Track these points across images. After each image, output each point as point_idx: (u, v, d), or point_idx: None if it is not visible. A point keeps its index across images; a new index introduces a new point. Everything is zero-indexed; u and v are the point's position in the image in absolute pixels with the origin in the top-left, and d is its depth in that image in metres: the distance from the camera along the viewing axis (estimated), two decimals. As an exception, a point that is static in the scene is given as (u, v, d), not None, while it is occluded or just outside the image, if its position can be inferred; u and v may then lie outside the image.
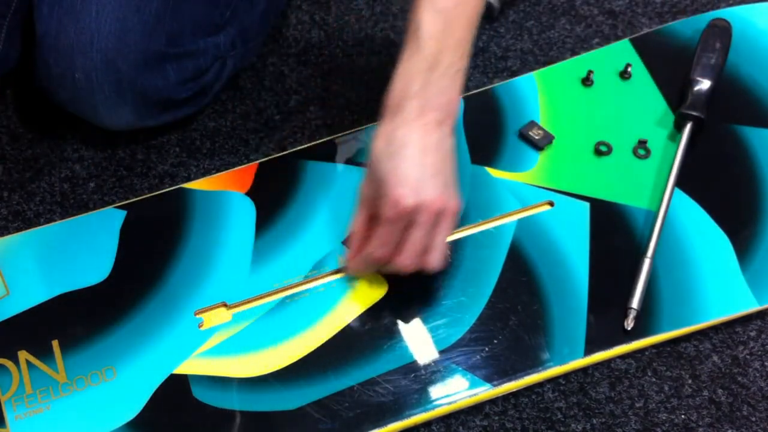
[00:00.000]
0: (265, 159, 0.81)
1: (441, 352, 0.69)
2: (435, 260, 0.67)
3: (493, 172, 0.79)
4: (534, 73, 0.87)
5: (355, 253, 0.69)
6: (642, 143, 0.80)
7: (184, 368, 0.68)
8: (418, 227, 0.64)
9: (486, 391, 0.67)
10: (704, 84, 0.82)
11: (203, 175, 0.83)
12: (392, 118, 0.65)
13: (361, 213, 0.68)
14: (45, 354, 0.68)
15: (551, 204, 0.77)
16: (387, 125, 0.65)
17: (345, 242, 0.74)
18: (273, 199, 0.77)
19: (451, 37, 0.65)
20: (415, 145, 0.64)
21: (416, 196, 0.63)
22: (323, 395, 0.67)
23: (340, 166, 0.79)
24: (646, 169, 0.79)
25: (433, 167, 0.64)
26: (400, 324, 0.70)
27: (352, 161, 0.80)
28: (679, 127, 0.81)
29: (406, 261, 0.66)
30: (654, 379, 0.71)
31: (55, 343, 0.69)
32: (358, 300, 0.71)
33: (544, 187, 0.78)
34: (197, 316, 0.71)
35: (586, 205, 0.77)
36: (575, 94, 0.85)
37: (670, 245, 0.74)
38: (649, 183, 0.78)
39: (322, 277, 0.73)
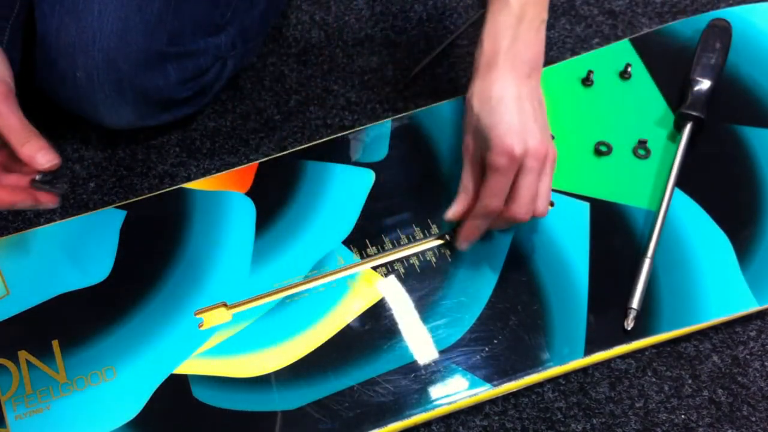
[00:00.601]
0: (265, 159, 0.81)
1: (441, 352, 0.69)
2: (544, 207, 0.67)
3: (493, 172, 0.79)
4: (534, 73, 0.87)
5: (463, 211, 0.70)
6: (642, 143, 0.80)
7: (184, 368, 0.68)
8: (529, 173, 0.65)
9: (486, 391, 0.67)
10: (704, 84, 0.82)
11: (203, 175, 0.83)
12: (486, 75, 0.67)
13: (468, 170, 0.69)
14: (45, 354, 0.68)
15: (551, 204, 0.77)
16: (481, 82, 0.67)
17: (345, 242, 0.74)
18: (273, 199, 0.77)
19: None
20: (512, 96, 0.66)
21: (524, 142, 0.64)
22: (323, 395, 0.67)
23: (340, 166, 0.79)
24: (646, 169, 0.79)
25: (532, 115, 0.66)
26: (400, 324, 0.70)
27: (352, 161, 0.80)
28: (679, 127, 0.81)
29: (521, 209, 0.66)
30: (654, 379, 0.71)
31: (55, 343, 0.69)
32: (358, 300, 0.71)
33: (544, 187, 0.78)
34: (197, 316, 0.71)
35: (586, 205, 0.77)
36: (575, 94, 0.85)
37: (670, 245, 0.74)
38: (649, 183, 0.78)
39: (322, 277, 0.73)
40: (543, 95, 0.69)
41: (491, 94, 0.66)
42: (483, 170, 0.67)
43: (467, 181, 0.69)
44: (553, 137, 0.80)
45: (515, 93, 0.66)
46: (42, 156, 0.61)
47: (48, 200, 0.65)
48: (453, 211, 0.70)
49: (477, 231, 0.70)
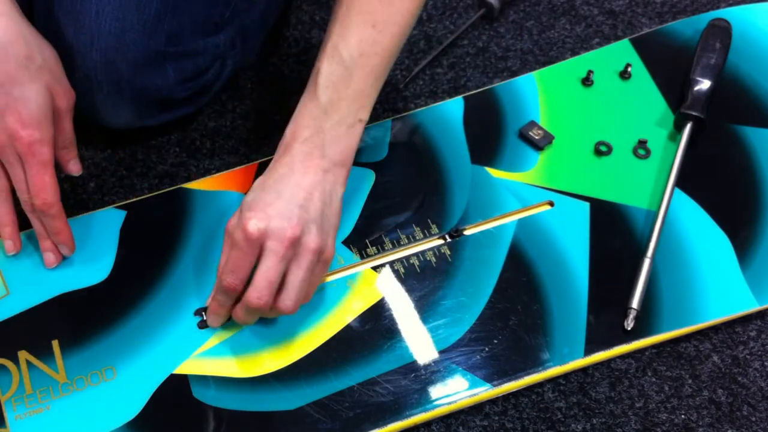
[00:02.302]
0: (265, 159, 0.81)
1: (441, 352, 0.69)
2: (288, 300, 0.62)
3: (493, 172, 0.79)
4: (534, 73, 0.87)
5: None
6: (642, 143, 0.81)
7: (184, 368, 0.68)
8: (269, 256, 0.61)
9: (486, 391, 0.67)
10: (704, 84, 0.82)
11: (203, 175, 0.83)
12: (278, 160, 0.65)
13: (224, 248, 0.64)
14: (45, 354, 0.68)
15: (551, 204, 0.77)
16: (271, 166, 0.65)
17: (345, 242, 0.74)
18: (273, 199, 0.77)
19: (350, 88, 0.64)
20: (288, 181, 0.63)
21: (267, 220, 0.61)
22: (323, 395, 0.67)
23: (340, 166, 0.79)
24: (646, 169, 0.79)
25: (299, 200, 0.62)
26: (400, 324, 0.70)
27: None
28: (679, 127, 0.81)
29: (254, 294, 0.62)
30: (654, 379, 0.71)
31: (55, 343, 0.69)
32: (358, 300, 0.71)
33: (544, 187, 0.78)
34: (197, 316, 0.71)
35: (586, 205, 0.77)
36: (575, 94, 0.85)
37: (670, 245, 0.74)
38: (649, 183, 0.78)
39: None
40: (340, 196, 0.65)
41: (270, 177, 0.63)
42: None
43: (223, 261, 0.64)
44: (553, 138, 0.81)
45: (295, 180, 0.62)
46: (73, 164, 0.72)
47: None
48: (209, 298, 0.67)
49: (221, 309, 0.66)
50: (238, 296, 0.65)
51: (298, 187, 0.63)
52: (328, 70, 0.65)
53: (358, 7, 0.65)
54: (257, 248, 0.61)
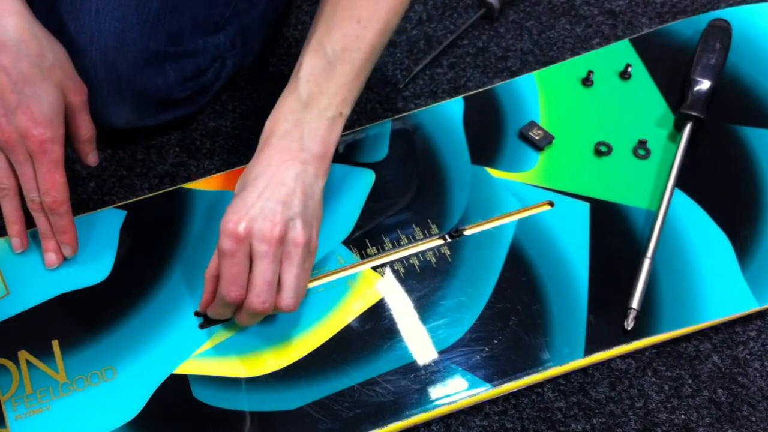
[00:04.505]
0: (265, 159, 0.81)
1: (441, 352, 0.69)
2: (289, 299, 0.62)
3: (493, 172, 0.79)
4: (534, 73, 0.87)
5: (207, 302, 0.66)
6: (642, 143, 0.81)
7: (184, 368, 0.68)
8: (261, 258, 0.61)
9: (486, 391, 0.67)
10: (704, 84, 0.82)
11: (203, 175, 0.83)
12: (256, 156, 0.65)
13: (215, 256, 0.64)
14: (45, 354, 0.68)
15: (551, 204, 0.77)
16: (251, 162, 0.65)
17: (345, 242, 0.74)
18: (273, 199, 0.77)
19: (332, 81, 0.64)
20: (267, 177, 0.62)
21: (249, 221, 0.60)
22: (323, 395, 0.67)
23: (340, 166, 0.79)
24: (646, 169, 0.79)
25: (282, 196, 0.61)
26: (400, 324, 0.70)
27: (352, 161, 0.80)
28: (679, 127, 0.81)
29: (255, 299, 0.61)
30: (654, 379, 0.71)
31: (55, 343, 0.69)
32: (358, 300, 0.71)
33: (544, 187, 0.78)
34: (197, 317, 0.71)
35: (586, 205, 0.77)
36: (575, 94, 0.85)
37: (670, 245, 0.74)
38: (649, 183, 0.78)
39: (322, 277, 0.73)
40: (321, 188, 0.65)
41: (249, 174, 0.63)
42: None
43: (212, 266, 0.65)
44: (553, 138, 0.81)
45: (272, 175, 0.62)
46: (92, 156, 0.74)
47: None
48: (201, 304, 0.68)
49: (224, 316, 0.67)
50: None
51: (279, 182, 0.62)
52: (310, 64, 0.65)
53: (344, 4, 0.65)
54: (247, 252, 0.61)
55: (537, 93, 0.85)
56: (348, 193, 0.77)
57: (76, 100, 0.69)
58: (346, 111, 0.66)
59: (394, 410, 0.66)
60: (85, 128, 0.72)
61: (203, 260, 0.73)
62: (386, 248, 0.74)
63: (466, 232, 0.75)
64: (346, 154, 0.81)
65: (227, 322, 0.70)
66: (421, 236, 0.75)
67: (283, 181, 0.62)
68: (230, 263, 0.61)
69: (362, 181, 0.78)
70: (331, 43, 0.65)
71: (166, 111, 0.82)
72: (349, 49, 0.65)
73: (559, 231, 0.75)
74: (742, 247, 0.75)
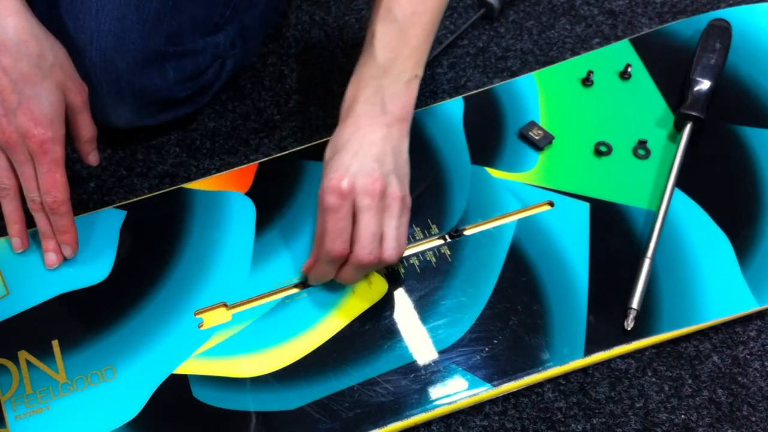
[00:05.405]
0: (265, 159, 0.81)
1: (441, 352, 0.69)
2: (392, 249, 0.65)
3: (493, 172, 0.79)
4: (534, 73, 0.87)
5: (312, 262, 0.68)
6: (642, 143, 0.81)
7: (184, 368, 0.68)
8: (365, 211, 0.63)
9: (486, 391, 0.67)
10: (704, 84, 0.82)
11: (203, 175, 0.83)
12: (342, 122, 0.67)
13: (319, 218, 0.66)
14: (45, 354, 0.68)
15: (551, 204, 0.77)
16: (338, 129, 0.67)
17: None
18: (273, 199, 0.77)
19: (405, 45, 0.67)
20: (358, 140, 0.65)
21: (351, 177, 0.63)
22: (323, 395, 0.67)
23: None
24: (646, 169, 0.79)
25: (375, 155, 0.64)
26: (400, 324, 0.70)
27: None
28: (679, 127, 0.81)
29: (363, 251, 0.64)
30: (654, 379, 0.71)
31: (55, 343, 0.69)
32: (358, 300, 0.71)
33: (544, 187, 0.78)
34: (197, 316, 0.71)
35: (586, 205, 0.77)
36: (575, 94, 0.85)
37: (670, 245, 0.74)
38: (649, 183, 0.78)
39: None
40: (407, 147, 0.67)
41: (339, 139, 0.66)
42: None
43: (318, 228, 0.66)
44: (553, 138, 0.81)
45: (363, 138, 0.65)
46: (93, 156, 0.75)
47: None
48: (306, 264, 0.69)
49: (328, 275, 0.68)
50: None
51: (370, 143, 0.65)
52: (382, 31, 0.67)
53: None
54: (351, 207, 0.63)
55: (537, 93, 0.85)
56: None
57: (77, 100, 0.69)
58: (420, 72, 0.68)
59: (394, 410, 0.66)
60: (86, 128, 0.72)
61: (203, 260, 0.73)
62: (386, 248, 0.74)
63: (466, 232, 0.75)
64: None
65: (226, 323, 0.70)
66: (421, 236, 0.75)
67: (373, 142, 0.65)
68: (335, 218, 0.63)
69: (362, 181, 0.78)
70: (401, 8, 0.66)
71: (166, 111, 0.82)
72: (417, 12, 0.67)
73: (559, 231, 0.75)
74: (742, 247, 0.75)
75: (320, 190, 0.65)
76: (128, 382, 0.67)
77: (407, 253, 0.74)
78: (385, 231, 0.65)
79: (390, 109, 0.66)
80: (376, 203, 0.63)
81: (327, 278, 0.69)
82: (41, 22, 0.71)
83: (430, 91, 0.90)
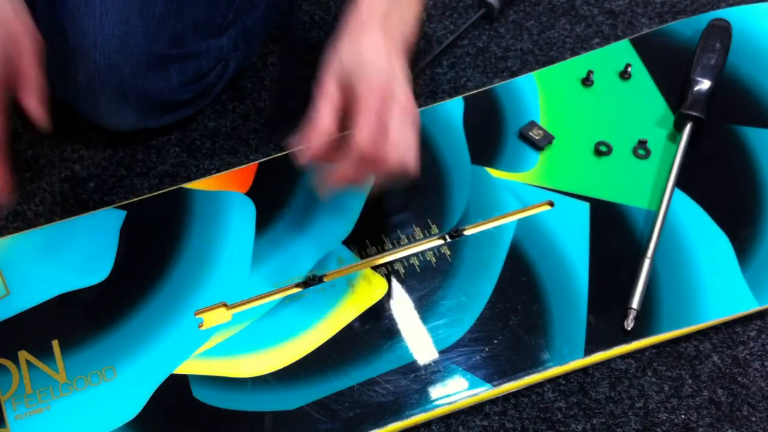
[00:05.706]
0: (265, 159, 0.81)
1: (441, 352, 0.69)
2: (411, 159, 0.62)
3: (493, 172, 0.79)
4: (534, 73, 0.87)
5: (320, 148, 0.64)
6: (642, 143, 0.80)
7: (184, 368, 0.68)
8: (399, 118, 0.61)
9: (486, 391, 0.67)
10: (704, 84, 0.82)
11: (203, 175, 0.83)
12: (359, 34, 0.63)
13: (325, 110, 0.63)
14: (45, 354, 0.68)
15: (551, 204, 0.77)
16: (354, 38, 0.63)
17: (345, 242, 0.74)
18: (273, 199, 0.77)
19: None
20: (383, 53, 0.62)
21: (392, 87, 0.61)
22: (323, 395, 0.67)
23: (340, 166, 0.79)
24: (646, 169, 0.79)
25: (400, 75, 0.62)
26: (400, 324, 0.70)
27: (352, 161, 0.80)
28: (679, 127, 0.81)
29: (394, 153, 0.60)
30: (654, 379, 0.71)
31: (55, 343, 0.69)
32: (358, 300, 0.71)
33: (544, 187, 0.78)
34: (197, 316, 0.71)
35: (586, 205, 0.77)
36: (575, 94, 0.85)
37: (670, 245, 0.74)
38: (649, 183, 0.78)
39: (322, 278, 0.73)
40: (407, 71, 0.65)
41: (362, 48, 0.62)
42: (344, 116, 0.63)
43: (325, 119, 0.63)
44: (553, 138, 0.81)
45: (386, 53, 0.63)
46: (39, 112, 0.63)
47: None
48: (312, 150, 0.64)
49: (347, 180, 0.63)
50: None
51: (394, 64, 0.62)
52: None
53: None
54: (384, 111, 0.61)
55: (537, 93, 0.85)
56: (348, 192, 0.77)
57: (24, 48, 0.62)
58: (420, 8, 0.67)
59: (394, 410, 0.66)
60: (29, 78, 0.63)
61: (203, 260, 0.73)
62: (386, 248, 0.74)
63: (466, 232, 0.75)
64: (346, 154, 0.81)
65: (226, 323, 0.70)
66: (421, 236, 0.75)
67: (398, 64, 0.63)
68: (375, 117, 0.60)
69: (362, 181, 0.78)
70: None
71: (168, 113, 0.82)
72: None
73: (559, 231, 0.75)
74: (742, 247, 0.75)
75: (359, 93, 0.61)
76: (128, 382, 0.67)
77: (407, 253, 0.74)
78: (408, 140, 0.62)
79: (398, 33, 0.64)
80: (403, 113, 0.61)
81: (346, 184, 0.64)
82: (44, 24, 0.72)
83: (430, 91, 0.90)
